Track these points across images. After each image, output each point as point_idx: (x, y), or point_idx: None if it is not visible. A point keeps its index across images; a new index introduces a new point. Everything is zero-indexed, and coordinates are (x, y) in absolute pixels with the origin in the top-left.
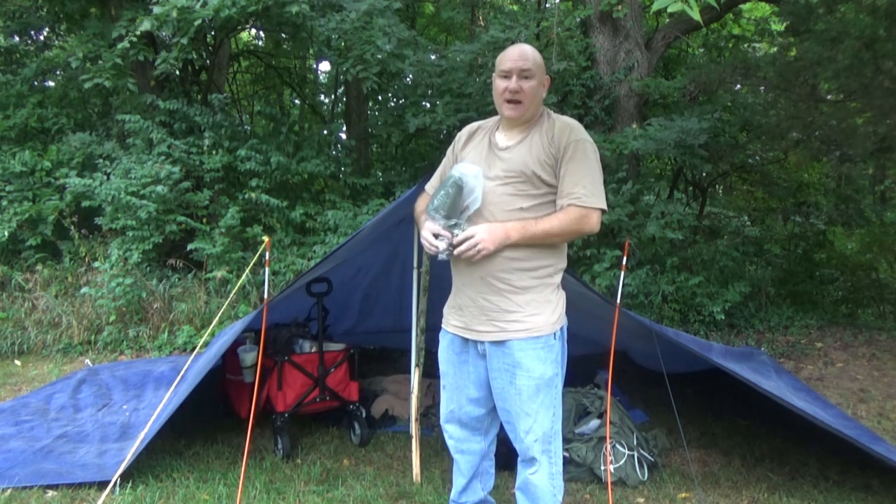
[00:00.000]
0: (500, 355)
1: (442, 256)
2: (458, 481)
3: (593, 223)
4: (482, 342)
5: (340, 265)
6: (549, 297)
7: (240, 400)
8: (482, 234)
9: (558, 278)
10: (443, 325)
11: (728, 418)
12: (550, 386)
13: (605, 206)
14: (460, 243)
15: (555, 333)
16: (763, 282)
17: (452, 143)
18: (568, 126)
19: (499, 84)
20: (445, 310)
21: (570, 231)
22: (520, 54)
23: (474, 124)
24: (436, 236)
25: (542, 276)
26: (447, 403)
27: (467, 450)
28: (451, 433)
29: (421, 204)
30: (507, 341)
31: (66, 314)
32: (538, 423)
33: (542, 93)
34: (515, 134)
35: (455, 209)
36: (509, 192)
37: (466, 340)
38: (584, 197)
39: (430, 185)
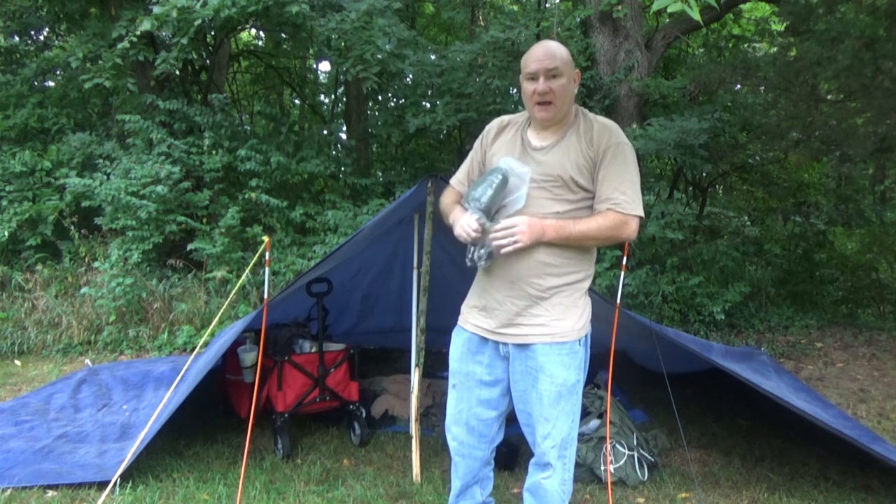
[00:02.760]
0: (524, 358)
1: (481, 264)
2: (455, 484)
3: (631, 230)
4: (505, 344)
5: (340, 265)
6: (577, 303)
7: (240, 400)
8: (522, 227)
9: (587, 284)
10: (459, 323)
11: (728, 418)
12: (572, 392)
13: (643, 214)
14: (499, 248)
15: (580, 340)
16: (763, 282)
17: (481, 136)
18: (607, 128)
19: (527, 87)
20: (464, 308)
21: (607, 236)
22: (544, 53)
23: (505, 118)
24: (474, 244)
25: (572, 281)
26: (456, 404)
27: (469, 455)
28: (456, 435)
29: (447, 198)
30: (532, 345)
31: (66, 314)
32: (557, 428)
33: (573, 89)
34: (550, 134)
35: (494, 202)
36: (545, 195)
37: (485, 340)
38: (626, 203)
39: (456, 180)
